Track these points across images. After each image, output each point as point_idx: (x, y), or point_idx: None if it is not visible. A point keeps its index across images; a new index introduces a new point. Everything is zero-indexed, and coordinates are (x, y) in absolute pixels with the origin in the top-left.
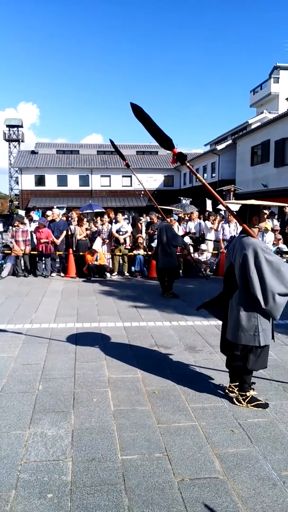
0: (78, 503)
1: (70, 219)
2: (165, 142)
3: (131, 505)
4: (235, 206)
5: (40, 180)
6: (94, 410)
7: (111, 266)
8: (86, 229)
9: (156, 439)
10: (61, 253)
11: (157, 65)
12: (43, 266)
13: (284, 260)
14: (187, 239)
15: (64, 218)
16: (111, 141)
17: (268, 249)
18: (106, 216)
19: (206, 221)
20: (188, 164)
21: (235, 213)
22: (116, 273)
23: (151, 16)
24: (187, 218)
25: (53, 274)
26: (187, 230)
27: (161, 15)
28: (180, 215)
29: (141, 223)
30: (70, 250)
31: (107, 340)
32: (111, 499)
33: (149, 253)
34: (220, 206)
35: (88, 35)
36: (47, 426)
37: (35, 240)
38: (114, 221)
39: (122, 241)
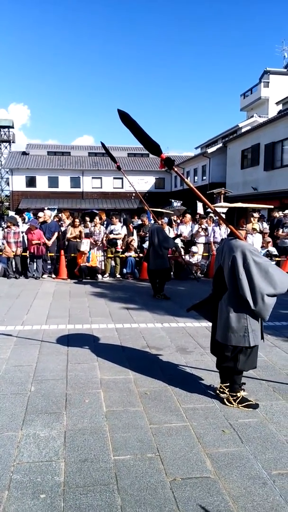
0: (71, 504)
1: (60, 220)
2: (153, 147)
3: (124, 505)
4: (223, 209)
5: (31, 181)
6: (86, 411)
7: (102, 267)
8: (80, 232)
9: (148, 440)
10: (53, 254)
11: (148, 67)
12: (35, 267)
13: (273, 262)
14: (178, 241)
15: (56, 219)
16: (102, 144)
17: (256, 251)
18: (97, 218)
19: (196, 225)
20: (176, 169)
21: (223, 216)
22: (107, 274)
23: (144, 18)
24: (178, 221)
25: (45, 276)
26: (179, 233)
27: (155, 16)
28: (172, 217)
29: (133, 226)
30: (62, 251)
31: (99, 342)
32: (104, 499)
33: (141, 255)
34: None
35: (81, 36)
36: (39, 427)
37: (26, 242)
38: (106, 223)
39: (120, 245)
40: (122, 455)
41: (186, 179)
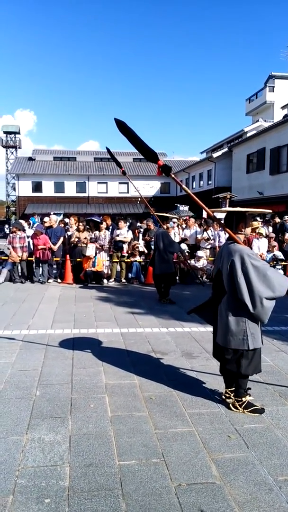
0: (75, 508)
1: (67, 225)
2: (150, 155)
3: (129, 510)
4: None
5: (37, 187)
6: (91, 415)
7: (108, 272)
8: (85, 238)
9: (153, 445)
10: (58, 259)
11: (155, 73)
12: (40, 272)
13: (280, 267)
14: (183, 246)
15: (62, 225)
16: (108, 149)
17: (254, 254)
18: (104, 223)
19: (202, 229)
20: (173, 175)
21: (221, 221)
22: (113, 279)
23: (149, 22)
24: (184, 225)
25: (50, 281)
26: (183, 237)
27: (160, 21)
28: (177, 221)
29: (139, 230)
30: (67, 256)
31: (104, 346)
32: (108, 504)
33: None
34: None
35: (86, 42)
36: (44, 432)
37: (31, 246)
38: (111, 227)
39: (126, 249)
40: (127, 460)
41: (183, 185)
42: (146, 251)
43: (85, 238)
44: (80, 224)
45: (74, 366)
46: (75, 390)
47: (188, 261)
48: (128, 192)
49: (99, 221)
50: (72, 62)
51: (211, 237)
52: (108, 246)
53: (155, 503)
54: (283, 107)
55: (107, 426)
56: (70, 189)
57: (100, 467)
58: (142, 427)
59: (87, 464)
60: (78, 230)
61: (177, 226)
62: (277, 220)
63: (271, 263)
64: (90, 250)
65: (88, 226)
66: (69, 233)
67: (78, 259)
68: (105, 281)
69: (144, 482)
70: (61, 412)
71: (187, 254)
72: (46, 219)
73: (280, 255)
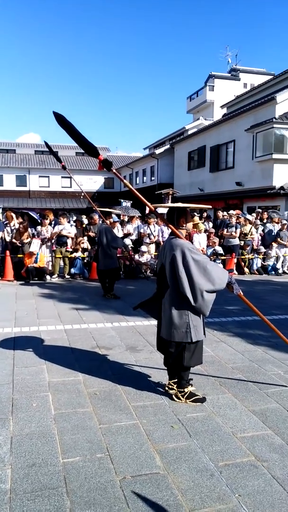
0: (18, 511)
1: (5, 220)
2: (90, 149)
3: (73, 508)
4: (165, 209)
5: None
6: (34, 415)
7: (50, 268)
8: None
9: (97, 440)
10: None
11: (98, 67)
12: None
13: (219, 261)
14: (127, 241)
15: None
16: (46, 143)
17: (195, 249)
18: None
19: (145, 224)
20: (114, 170)
21: (164, 216)
22: (56, 275)
23: (93, 19)
24: (126, 220)
25: None
26: (126, 232)
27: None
28: (123, 217)
29: (83, 225)
30: (7, 252)
31: (47, 344)
32: (52, 503)
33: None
34: (158, 209)
35: (17, 29)
36: None
37: None
38: (54, 222)
39: (71, 244)
40: (71, 457)
41: (125, 181)
42: (89, 247)
43: (27, 237)
44: (21, 225)
45: (15, 366)
46: (16, 390)
47: (133, 256)
48: (71, 187)
49: (35, 217)
50: (10, 50)
51: (153, 233)
52: (50, 241)
53: (100, 498)
54: (222, 106)
55: (50, 425)
56: (9, 183)
57: (43, 466)
58: (86, 423)
59: (29, 464)
60: (18, 231)
61: (120, 223)
62: (220, 214)
63: (212, 257)
64: (35, 246)
65: (22, 221)
66: (8, 228)
67: (20, 255)
68: (48, 277)
69: (88, 478)
70: (1, 413)
71: (130, 249)
72: None
73: (220, 250)
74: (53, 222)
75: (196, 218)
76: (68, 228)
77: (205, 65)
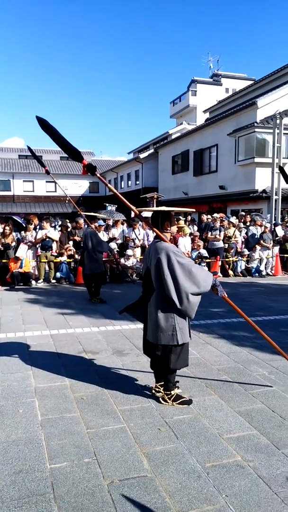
0: None
1: None
2: (73, 154)
3: None
4: (149, 213)
5: None
6: (20, 421)
7: (36, 273)
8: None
9: (85, 445)
10: None
11: (79, 72)
12: None
13: (204, 264)
14: (112, 245)
15: None
16: (29, 148)
17: (180, 252)
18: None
19: (130, 228)
20: (99, 175)
21: (148, 220)
22: (41, 280)
23: (72, 23)
24: (111, 224)
25: None
26: (111, 236)
27: (87, 23)
28: (107, 221)
29: (68, 230)
30: None
31: (33, 350)
32: (40, 510)
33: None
34: (143, 213)
35: (6, 31)
36: None
37: None
38: (38, 227)
39: (55, 248)
40: (59, 463)
41: (109, 185)
42: (74, 252)
43: (12, 241)
44: (7, 228)
45: (1, 372)
46: (2, 396)
47: (118, 260)
48: (56, 191)
49: (20, 222)
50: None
51: (138, 237)
52: (34, 246)
53: (87, 503)
54: (205, 111)
55: (37, 431)
56: None
57: (30, 472)
58: (73, 428)
59: (16, 471)
60: (3, 234)
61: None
62: (204, 218)
63: (196, 260)
64: (22, 251)
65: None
66: None
67: (4, 260)
68: (33, 282)
69: (76, 483)
70: None
71: (116, 253)
72: None
73: (204, 252)
74: (37, 227)
75: (181, 222)
76: (52, 232)
77: (188, 70)
